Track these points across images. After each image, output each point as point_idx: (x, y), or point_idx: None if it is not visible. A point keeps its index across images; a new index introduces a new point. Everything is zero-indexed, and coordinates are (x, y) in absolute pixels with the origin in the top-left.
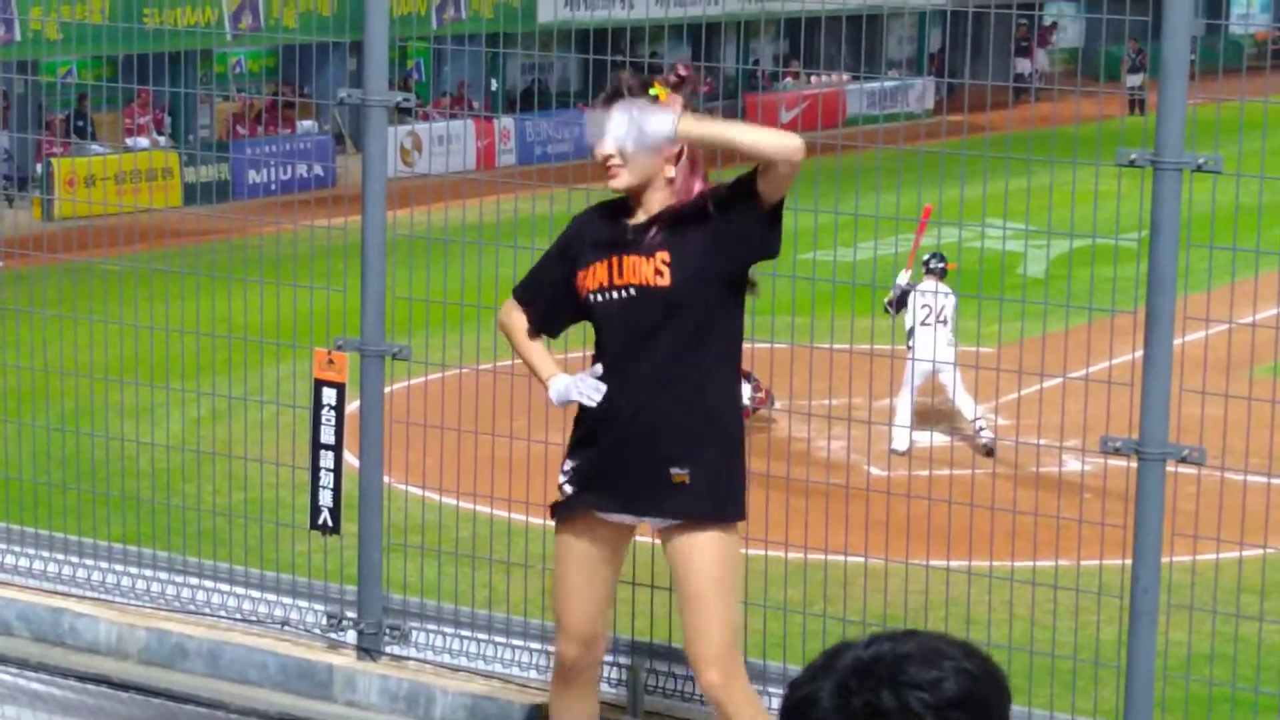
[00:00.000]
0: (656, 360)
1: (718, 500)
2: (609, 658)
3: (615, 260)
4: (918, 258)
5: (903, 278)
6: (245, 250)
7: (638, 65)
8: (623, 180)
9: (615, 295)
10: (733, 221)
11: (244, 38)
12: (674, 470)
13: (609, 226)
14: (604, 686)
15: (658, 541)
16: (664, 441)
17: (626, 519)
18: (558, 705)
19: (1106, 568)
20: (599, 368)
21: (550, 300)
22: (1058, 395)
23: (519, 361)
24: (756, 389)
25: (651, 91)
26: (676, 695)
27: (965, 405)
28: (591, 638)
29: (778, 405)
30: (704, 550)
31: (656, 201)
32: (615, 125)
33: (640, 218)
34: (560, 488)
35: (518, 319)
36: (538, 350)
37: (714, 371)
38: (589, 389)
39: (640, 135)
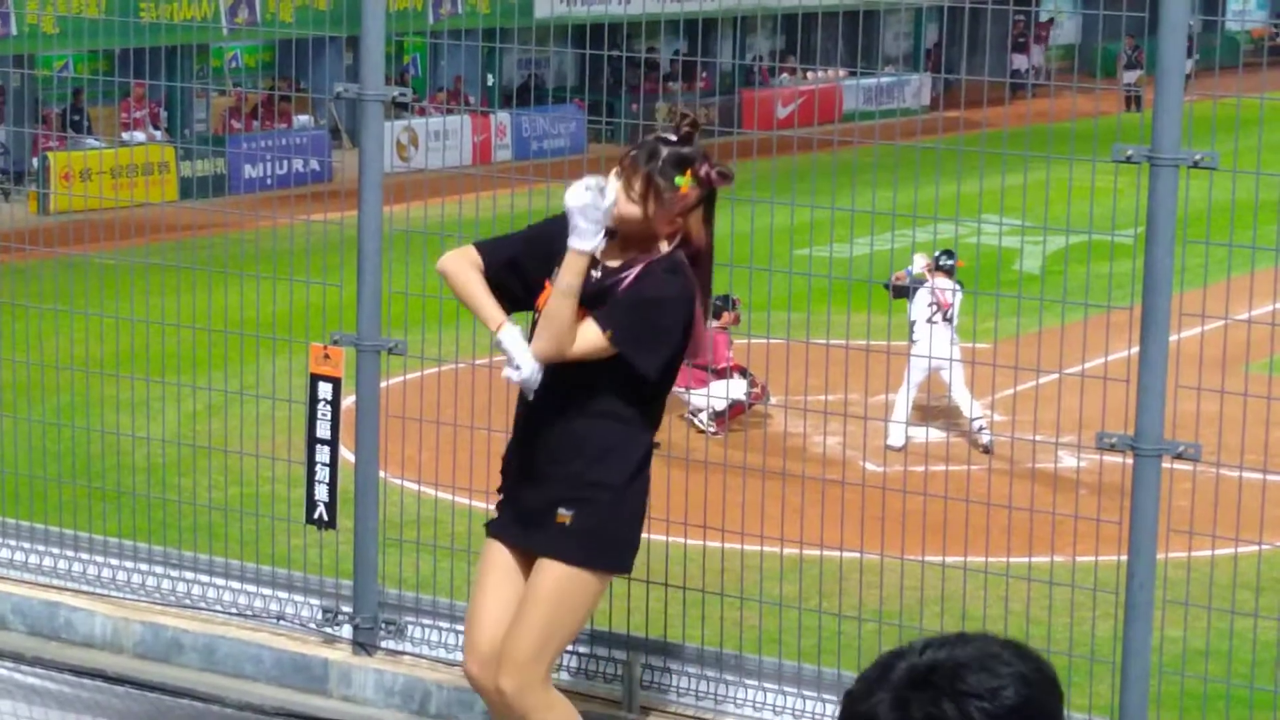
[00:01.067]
0: (570, 400)
1: (594, 549)
2: (604, 653)
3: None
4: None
5: (919, 261)
6: (241, 245)
7: (634, 60)
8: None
9: None
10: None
11: (240, 32)
12: (561, 510)
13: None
14: (599, 682)
15: (645, 535)
16: (557, 481)
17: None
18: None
19: (1102, 564)
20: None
21: (503, 275)
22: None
23: None
24: (752, 384)
25: (678, 180)
26: (672, 690)
27: (964, 403)
28: (494, 659)
29: (773, 400)
30: (559, 573)
31: (635, 247)
32: (574, 195)
33: (614, 258)
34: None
35: (474, 269)
36: (491, 297)
37: (622, 419)
38: (531, 386)
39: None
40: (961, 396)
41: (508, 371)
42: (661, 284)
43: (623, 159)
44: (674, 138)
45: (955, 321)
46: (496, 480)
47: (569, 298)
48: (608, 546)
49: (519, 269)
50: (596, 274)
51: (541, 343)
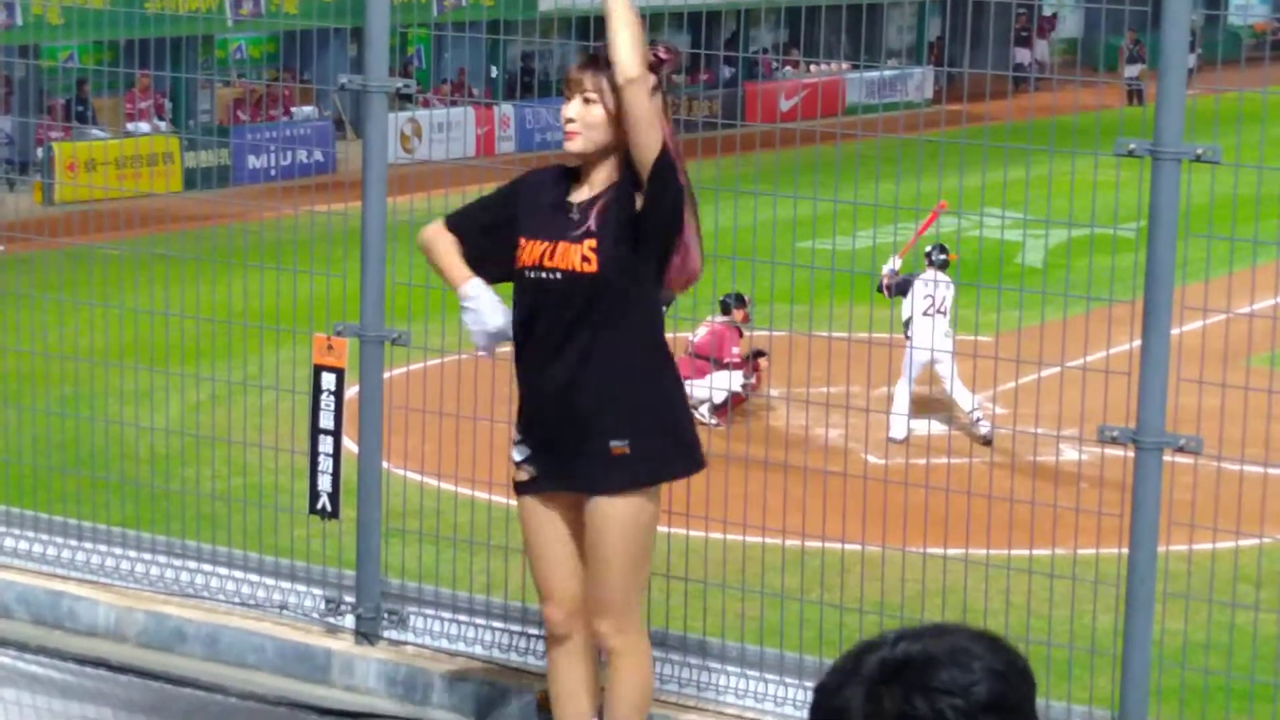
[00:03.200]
0: (582, 341)
1: (662, 463)
2: None
3: (549, 243)
4: (919, 247)
5: (893, 264)
6: (245, 235)
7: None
8: (574, 144)
9: (544, 277)
10: (646, 204)
11: (245, 23)
12: (613, 443)
13: (552, 198)
14: (601, 671)
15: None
16: (598, 417)
17: (573, 496)
18: (555, 674)
19: (1103, 557)
20: (508, 345)
21: (483, 244)
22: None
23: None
24: (747, 374)
25: None
26: (673, 681)
27: (961, 397)
28: (576, 597)
29: (774, 393)
30: (620, 512)
31: (603, 175)
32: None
33: (583, 193)
34: (515, 465)
35: (448, 238)
36: (459, 259)
37: (637, 342)
38: (492, 328)
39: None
40: (958, 389)
41: (473, 330)
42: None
43: (565, 83)
44: None
45: (949, 315)
46: (499, 469)
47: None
48: (674, 455)
49: (494, 233)
50: (574, 215)
51: (627, 48)
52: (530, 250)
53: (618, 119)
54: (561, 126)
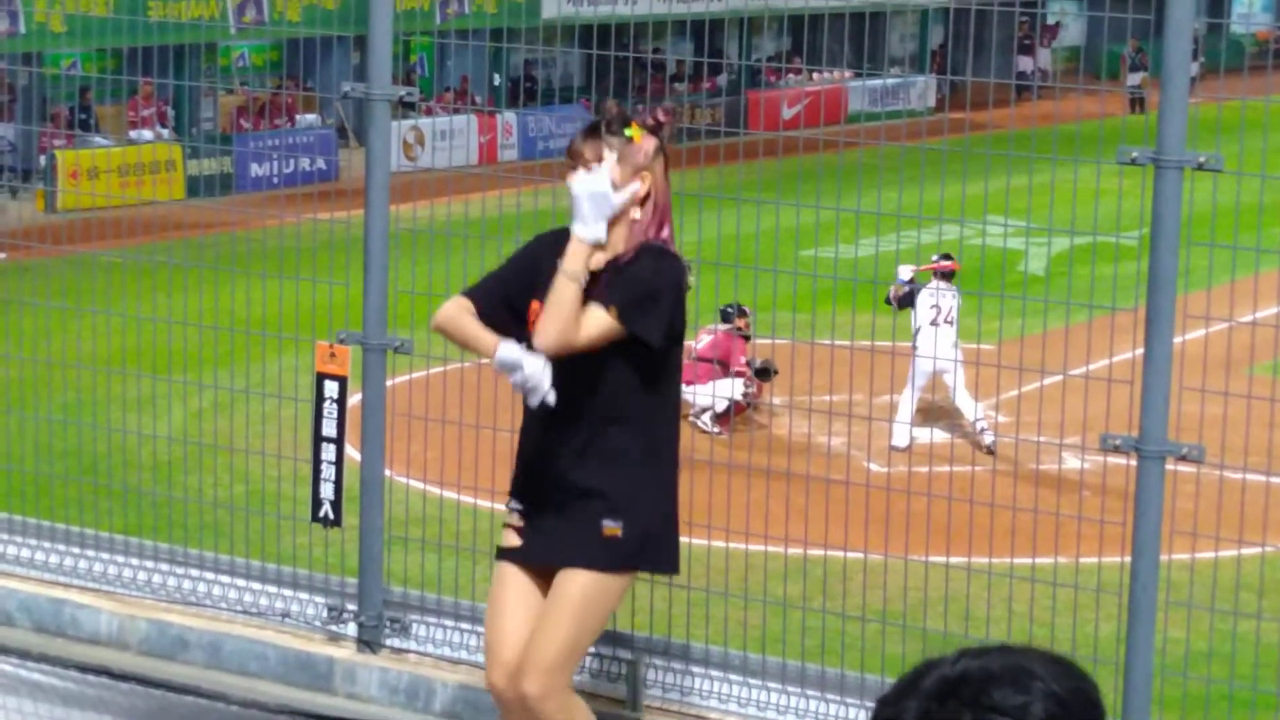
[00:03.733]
0: (587, 410)
1: (652, 551)
2: (609, 652)
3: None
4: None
5: (906, 272)
6: (248, 243)
7: (640, 61)
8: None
9: None
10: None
11: (248, 31)
12: (606, 523)
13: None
14: (604, 682)
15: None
16: (596, 493)
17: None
18: None
19: (1105, 565)
20: (552, 393)
21: (506, 316)
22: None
23: None
24: (748, 382)
25: (627, 132)
26: (676, 690)
27: (966, 406)
28: (518, 669)
29: (776, 401)
30: (589, 581)
31: (614, 240)
32: (582, 181)
33: (594, 260)
34: (507, 522)
35: (463, 305)
36: (483, 329)
37: (646, 419)
38: (542, 387)
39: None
40: (964, 399)
41: (516, 377)
42: (653, 264)
43: (568, 154)
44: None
45: (955, 324)
46: (502, 478)
47: (573, 282)
48: (660, 547)
49: (512, 303)
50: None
51: (548, 332)
52: (533, 310)
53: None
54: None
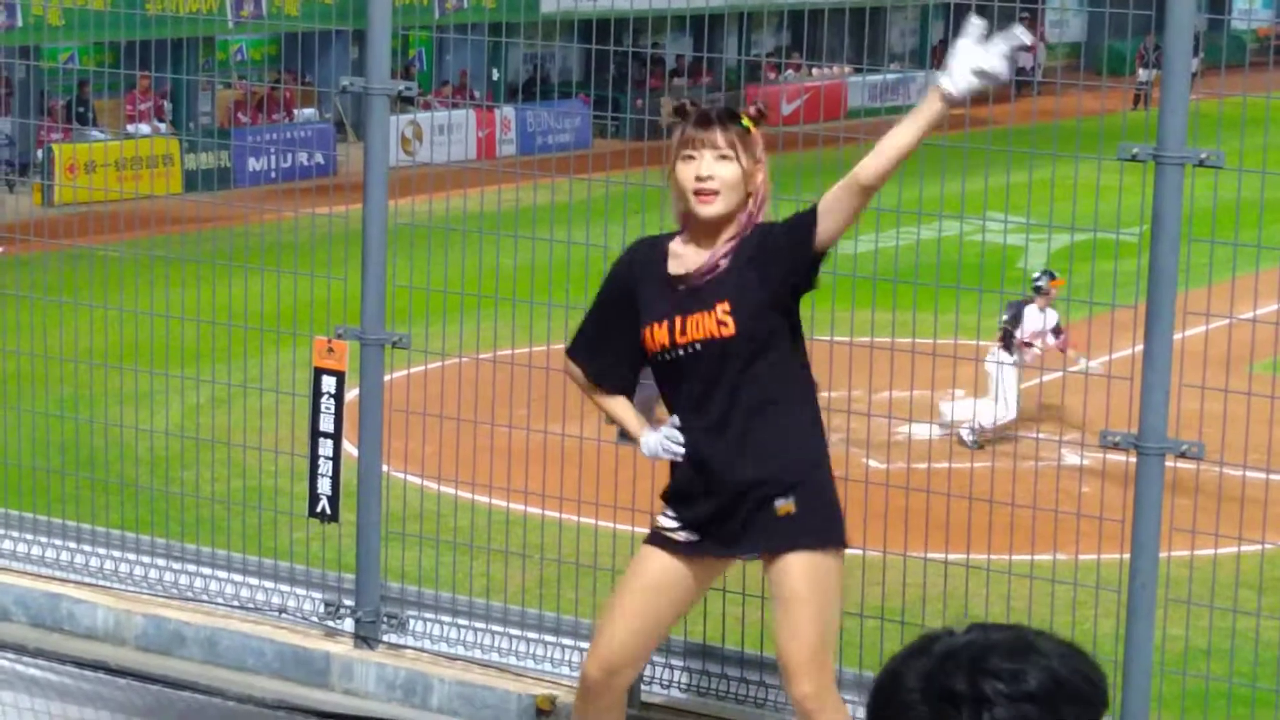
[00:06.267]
0: (735, 403)
1: (822, 525)
2: None
3: (677, 320)
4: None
5: (1042, 282)
6: (245, 238)
7: (639, 56)
8: (716, 208)
9: (681, 354)
10: (785, 258)
11: (246, 25)
12: (779, 503)
13: (661, 274)
14: None
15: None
16: (763, 478)
17: (737, 557)
18: (582, 714)
19: (1105, 562)
20: (675, 419)
21: (621, 354)
22: (1058, 389)
23: (520, 351)
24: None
25: (743, 123)
26: (674, 686)
27: (984, 409)
28: (620, 667)
29: None
30: (803, 564)
31: (723, 236)
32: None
33: (698, 256)
34: (665, 531)
35: (613, 396)
36: (621, 405)
37: (791, 397)
38: (674, 444)
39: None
40: (986, 403)
41: (664, 456)
42: (769, 225)
43: (678, 143)
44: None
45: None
46: (499, 473)
47: (916, 126)
48: (835, 522)
49: (631, 335)
50: (682, 286)
51: (878, 162)
52: (655, 334)
53: (747, 176)
54: (684, 187)
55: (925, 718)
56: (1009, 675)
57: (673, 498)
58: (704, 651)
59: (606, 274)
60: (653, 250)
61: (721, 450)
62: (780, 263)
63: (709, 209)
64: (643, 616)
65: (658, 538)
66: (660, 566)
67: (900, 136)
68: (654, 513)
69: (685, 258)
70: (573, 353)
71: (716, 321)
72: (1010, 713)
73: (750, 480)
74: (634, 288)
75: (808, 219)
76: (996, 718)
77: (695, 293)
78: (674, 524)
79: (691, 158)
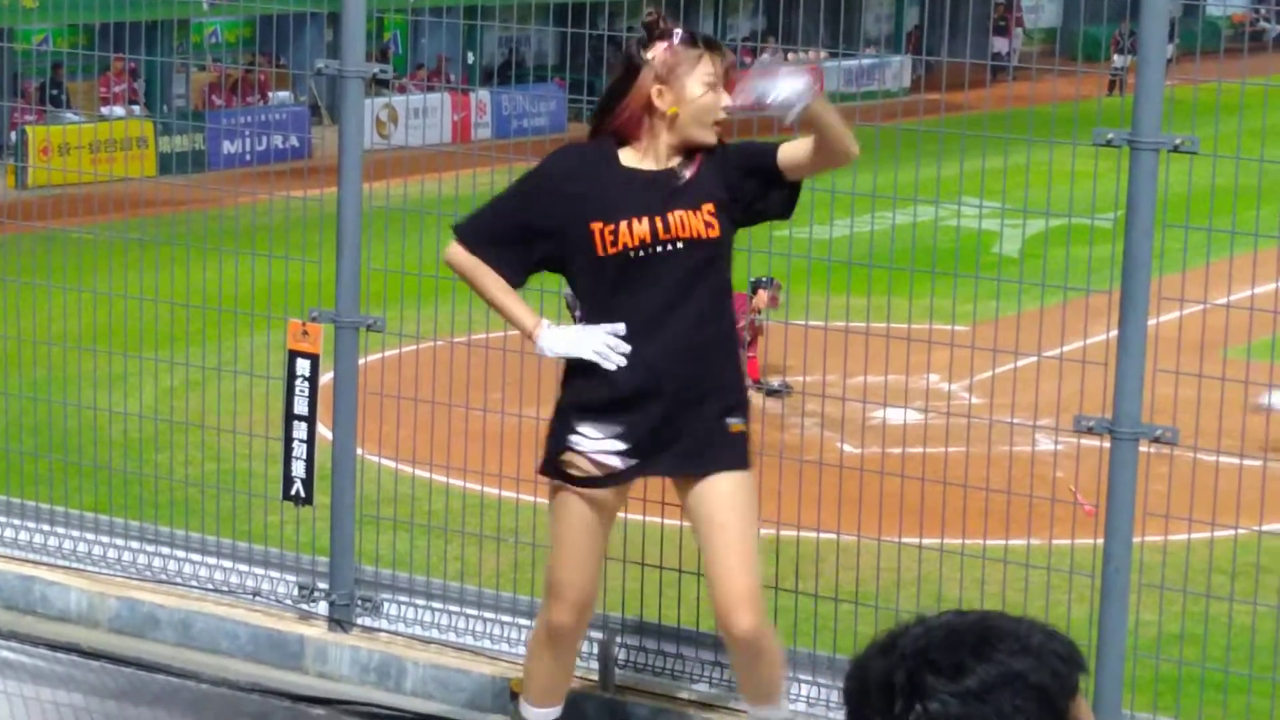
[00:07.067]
0: (694, 313)
1: (751, 448)
2: None
3: (659, 216)
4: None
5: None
6: (220, 221)
7: (615, 39)
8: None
9: (659, 250)
10: (754, 181)
11: (220, 7)
12: (731, 421)
13: (616, 172)
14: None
15: (622, 515)
16: (716, 395)
17: (680, 477)
18: (541, 670)
19: (1078, 547)
20: (620, 326)
21: (526, 251)
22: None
23: (494, 335)
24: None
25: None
26: (648, 669)
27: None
28: (588, 603)
29: (750, 382)
30: (745, 492)
31: (693, 144)
32: (781, 86)
33: (670, 161)
34: (584, 455)
35: (486, 273)
36: (515, 298)
37: (728, 313)
38: (617, 346)
39: (781, 99)
40: None
41: (591, 357)
42: (735, 144)
43: (675, 54)
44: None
45: None
46: (474, 457)
47: (835, 114)
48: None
49: (542, 234)
50: (679, 183)
51: (852, 143)
52: (631, 229)
53: None
54: (704, 114)
55: (875, 705)
56: (950, 670)
57: (600, 410)
58: (676, 635)
59: (529, 172)
60: (591, 154)
61: (677, 359)
62: (750, 177)
63: (713, 138)
64: (593, 553)
65: (587, 477)
66: (587, 505)
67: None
68: (558, 427)
69: (644, 162)
70: (468, 240)
71: (704, 222)
72: (946, 708)
73: (704, 393)
74: (571, 187)
75: (770, 147)
76: (930, 711)
77: (678, 191)
78: (600, 441)
79: (713, 86)
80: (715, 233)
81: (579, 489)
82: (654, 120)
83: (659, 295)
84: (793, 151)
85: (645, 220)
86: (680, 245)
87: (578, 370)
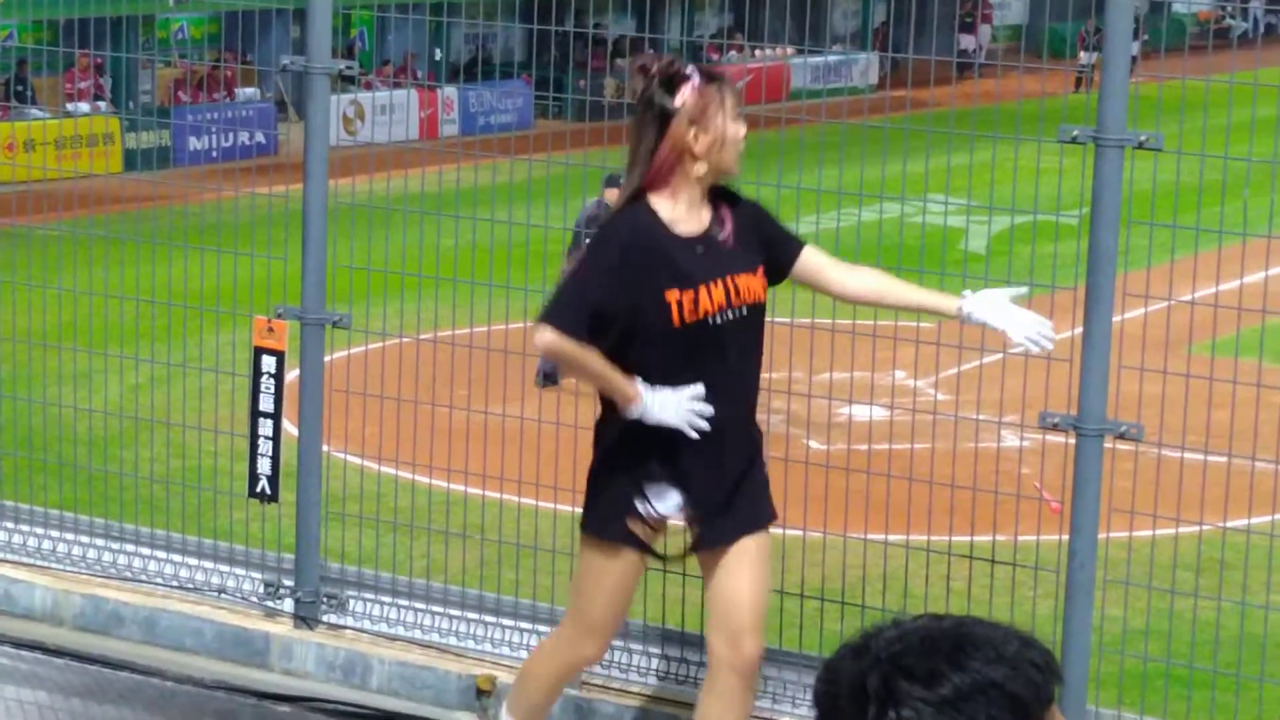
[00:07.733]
0: (752, 375)
1: None
2: (545, 629)
3: (729, 281)
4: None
5: None
6: (186, 217)
7: (582, 36)
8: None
9: (733, 316)
10: (766, 256)
11: (186, 3)
12: (760, 468)
13: (674, 237)
14: None
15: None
16: (759, 450)
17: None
18: (543, 694)
19: (1043, 543)
20: (699, 388)
21: (601, 322)
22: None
23: (460, 332)
24: None
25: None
26: (615, 666)
27: None
28: (609, 641)
29: None
30: (769, 538)
31: (705, 204)
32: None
33: (697, 216)
34: (651, 520)
35: (579, 345)
36: (611, 367)
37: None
38: (696, 414)
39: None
40: None
41: (678, 424)
42: (759, 209)
43: (702, 94)
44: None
45: None
46: (440, 454)
47: (919, 300)
48: None
49: (632, 311)
50: (726, 246)
51: (864, 293)
52: (710, 296)
53: None
54: (736, 148)
55: (845, 712)
56: (925, 676)
57: (669, 476)
58: (644, 633)
59: (597, 249)
60: (643, 221)
61: (739, 425)
62: (774, 244)
63: (738, 167)
64: (626, 603)
65: (638, 529)
66: (639, 563)
67: (902, 295)
68: (621, 491)
69: (689, 220)
70: (567, 328)
71: (760, 284)
72: (920, 715)
73: (754, 454)
74: (640, 258)
75: (797, 245)
76: (903, 718)
77: (734, 254)
78: (667, 505)
79: (738, 115)
80: (765, 295)
81: (632, 544)
82: (685, 164)
83: (728, 360)
84: (810, 269)
85: (720, 285)
86: (745, 310)
87: (640, 433)
